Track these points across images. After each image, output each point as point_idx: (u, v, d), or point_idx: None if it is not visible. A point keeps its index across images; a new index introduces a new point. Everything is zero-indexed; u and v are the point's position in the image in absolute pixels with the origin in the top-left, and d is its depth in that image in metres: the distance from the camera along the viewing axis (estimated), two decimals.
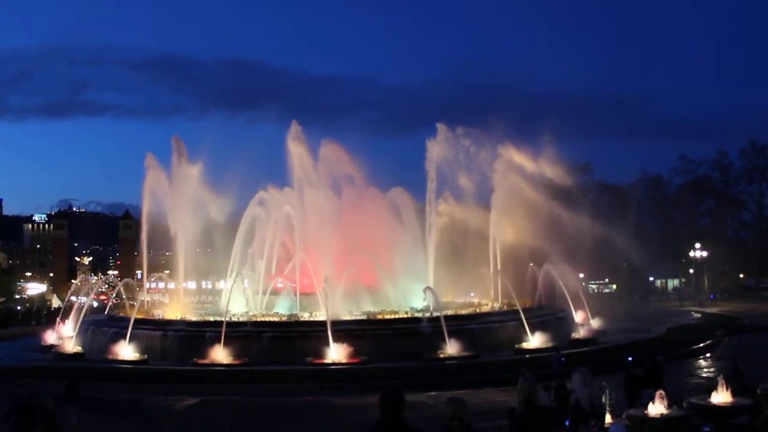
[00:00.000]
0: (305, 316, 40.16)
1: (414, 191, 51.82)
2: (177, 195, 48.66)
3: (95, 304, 54.78)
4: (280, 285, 45.49)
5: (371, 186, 50.76)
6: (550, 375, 24.07)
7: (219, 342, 34.70)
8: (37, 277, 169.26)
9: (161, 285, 47.89)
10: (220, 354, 34.30)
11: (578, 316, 42.58)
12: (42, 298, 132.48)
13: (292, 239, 47.23)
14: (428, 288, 40.01)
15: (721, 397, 16.87)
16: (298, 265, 44.48)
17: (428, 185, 49.89)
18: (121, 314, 46.14)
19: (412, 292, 44.28)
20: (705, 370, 32.67)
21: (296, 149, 47.74)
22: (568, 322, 41.83)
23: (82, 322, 43.04)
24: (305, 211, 46.72)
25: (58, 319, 48.78)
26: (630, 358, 30.49)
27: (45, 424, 17.79)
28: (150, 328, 39.43)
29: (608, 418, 14.70)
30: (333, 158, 48.39)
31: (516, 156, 50.83)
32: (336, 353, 33.58)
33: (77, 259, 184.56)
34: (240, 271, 45.23)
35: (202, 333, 37.43)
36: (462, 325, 37.82)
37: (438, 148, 49.77)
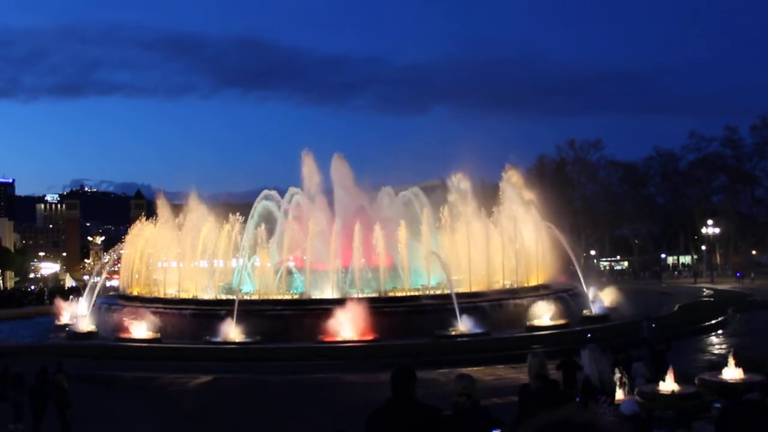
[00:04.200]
0: (317, 295, 40.23)
1: (424, 170, 51.70)
2: (191, 177, 48.78)
3: (108, 284, 55.11)
4: (291, 263, 45.50)
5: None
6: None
7: (231, 320, 34.89)
8: (50, 257, 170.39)
9: (174, 264, 48.09)
10: (232, 332, 34.50)
11: (590, 293, 42.51)
12: (55, 278, 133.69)
13: (302, 223, 47.18)
14: (434, 253, 39.59)
15: (732, 373, 16.86)
16: (310, 244, 44.46)
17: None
18: (134, 293, 46.44)
19: (423, 270, 44.19)
20: (717, 346, 32.60)
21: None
22: (579, 300, 41.78)
23: (95, 301, 43.39)
24: (315, 202, 46.90)
25: (59, 297, 49.20)
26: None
27: (57, 402, 18.00)
28: (163, 307, 39.72)
29: (619, 394, 14.73)
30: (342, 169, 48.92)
31: (525, 136, 50.67)
32: (347, 331, 33.69)
33: (90, 238, 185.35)
34: (252, 250, 45.27)
35: (214, 311, 37.67)
36: (473, 302, 37.85)
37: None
